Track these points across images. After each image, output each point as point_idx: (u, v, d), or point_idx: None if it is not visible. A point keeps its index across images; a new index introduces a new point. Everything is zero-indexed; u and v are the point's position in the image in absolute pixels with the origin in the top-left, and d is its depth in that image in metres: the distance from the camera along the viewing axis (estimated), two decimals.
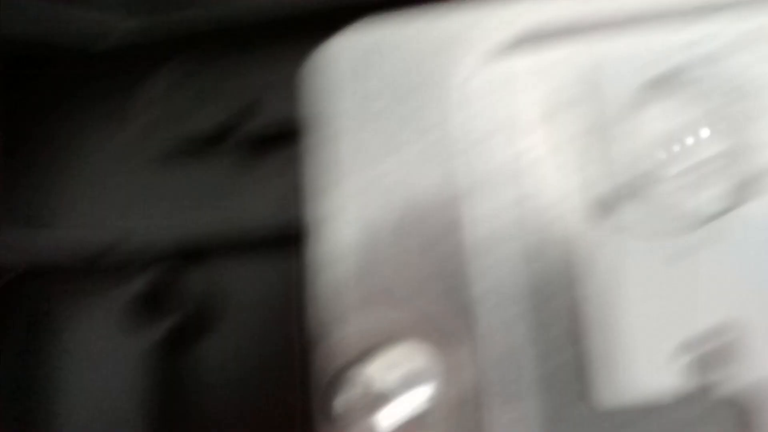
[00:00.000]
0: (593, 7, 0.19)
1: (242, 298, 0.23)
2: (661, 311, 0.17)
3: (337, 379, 0.17)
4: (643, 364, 0.17)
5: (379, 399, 0.17)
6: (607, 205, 0.17)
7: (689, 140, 0.17)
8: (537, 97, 0.19)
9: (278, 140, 0.22)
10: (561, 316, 0.18)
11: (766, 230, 0.17)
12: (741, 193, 0.17)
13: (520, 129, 0.19)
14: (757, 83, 0.18)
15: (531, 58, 0.19)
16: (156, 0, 0.23)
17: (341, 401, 0.17)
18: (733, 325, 0.16)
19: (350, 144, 0.19)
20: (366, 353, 0.17)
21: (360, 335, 0.18)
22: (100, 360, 0.22)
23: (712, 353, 0.16)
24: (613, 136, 0.18)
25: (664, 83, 0.18)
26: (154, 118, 0.23)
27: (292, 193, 0.20)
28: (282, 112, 0.22)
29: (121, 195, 0.23)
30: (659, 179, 0.17)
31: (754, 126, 0.17)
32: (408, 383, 0.17)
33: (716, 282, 0.17)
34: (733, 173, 0.17)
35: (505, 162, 0.19)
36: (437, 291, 0.18)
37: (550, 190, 0.18)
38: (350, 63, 0.20)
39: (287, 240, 0.21)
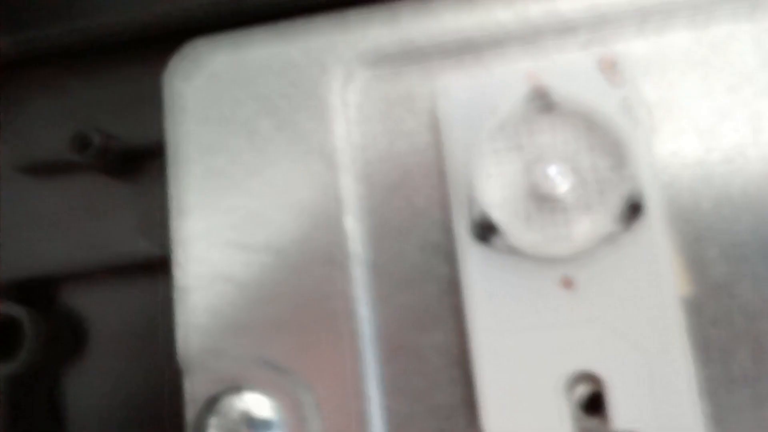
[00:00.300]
0: (469, 25, 0.19)
1: (110, 323, 0.22)
2: (545, 346, 0.16)
3: (199, 415, 0.17)
4: (527, 400, 0.16)
5: None
6: (490, 226, 0.17)
7: (576, 161, 0.17)
8: (419, 111, 0.19)
9: (140, 161, 0.22)
10: (442, 347, 0.17)
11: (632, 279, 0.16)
12: (626, 218, 0.17)
13: (401, 143, 0.18)
14: (635, 107, 0.17)
15: (409, 68, 0.19)
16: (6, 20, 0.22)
17: None
18: (599, 375, 0.16)
19: (203, 169, 0.19)
20: (215, 397, 0.17)
21: (209, 379, 0.17)
22: None
23: (584, 399, 0.16)
24: (498, 153, 0.17)
25: (550, 104, 0.17)
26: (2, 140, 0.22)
27: (159, 217, 0.19)
28: (140, 133, 0.21)
29: None
30: (546, 200, 0.17)
31: (632, 152, 0.17)
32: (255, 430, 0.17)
33: (588, 326, 0.16)
34: (617, 197, 0.16)
35: (388, 179, 0.18)
36: (286, 340, 0.17)
37: (433, 209, 0.18)
38: (199, 82, 0.19)
39: (154, 265, 0.21)
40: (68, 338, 0.22)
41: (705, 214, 0.17)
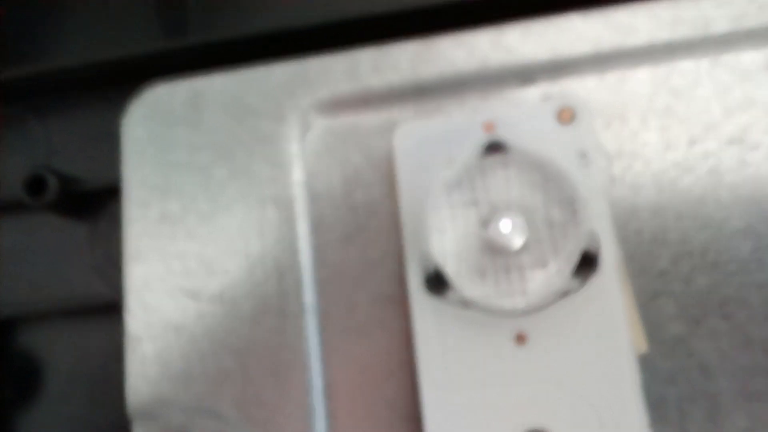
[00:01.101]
0: (428, 72, 0.18)
1: (64, 365, 0.22)
2: (497, 403, 0.16)
3: None
4: None
5: None
6: (443, 280, 0.16)
7: (532, 215, 0.17)
8: (377, 161, 0.18)
9: (97, 203, 0.21)
10: (393, 401, 0.17)
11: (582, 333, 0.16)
12: (581, 273, 0.16)
13: (357, 193, 0.18)
14: (593, 159, 0.17)
15: (367, 117, 0.19)
16: None
17: None
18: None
19: (157, 213, 0.18)
20: None
21: (157, 429, 0.17)
22: None
23: None
24: (452, 207, 0.17)
25: (506, 157, 0.17)
26: None
27: (115, 259, 0.19)
28: (98, 173, 0.21)
29: None
30: (500, 254, 0.16)
31: (588, 207, 0.16)
32: None
33: (541, 383, 0.16)
34: (572, 252, 0.16)
35: (342, 229, 0.18)
36: (235, 391, 0.17)
37: (387, 260, 0.18)
38: (156, 126, 0.19)
39: (110, 308, 0.20)
40: (21, 380, 0.22)
41: (662, 269, 0.17)
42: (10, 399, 0.22)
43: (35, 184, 0.20)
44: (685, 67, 0.19)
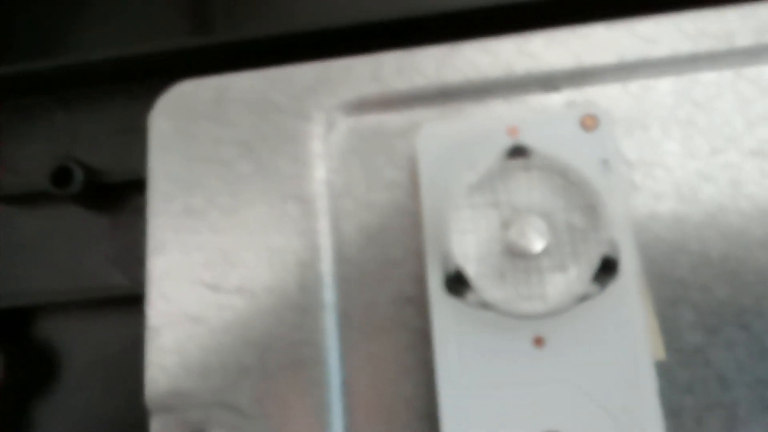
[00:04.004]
0: (452, 75, 0.19)
1: (82, 355, 0.22)
2: (514, 404, 0.16)
3: None
4: None
5: None
6: (464, 281, 0.16)
7: (553, 219, 0.17)
8: (400, 161, 0.18)
9: (120, 195, 0.22)
10: (410, 400, 0.17)
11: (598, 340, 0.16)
12: (600, 279, 0.16)
13: (379, 193, 0.18)
14: (615, 166, 0.17)
15: (390, 118, 0.19)
16: None
17: None
18: None
19: (180, 207, 0.18)
20: None
21: (175, 422, 0.17)
22: None
23: None
24: (474, 209, 0.17)
25: (528, 161, 0.17)
26: None
27: (136, 252, 0.19)
28: (122, 167, 0.21)
29: None
30: (521, 257, 0.16)
31: (609, 214, 0.16)
32: None
33: (558, 386, 0.16)
34: (593, 257, 0.16)
35: (364, 228, 0.18)
36: (253, 385, 0.17)
37: (408, 260, 0.18)
38: (183, 122, 0.19)
39: (129, 299, 0.20)
40: (39, 368, 0.22)
41: (681, 277, 0.17)
42: (27, 387, 0.22)
43: (61, 175, 0.20)
44: (708, 79, 0.19)
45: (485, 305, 0.17)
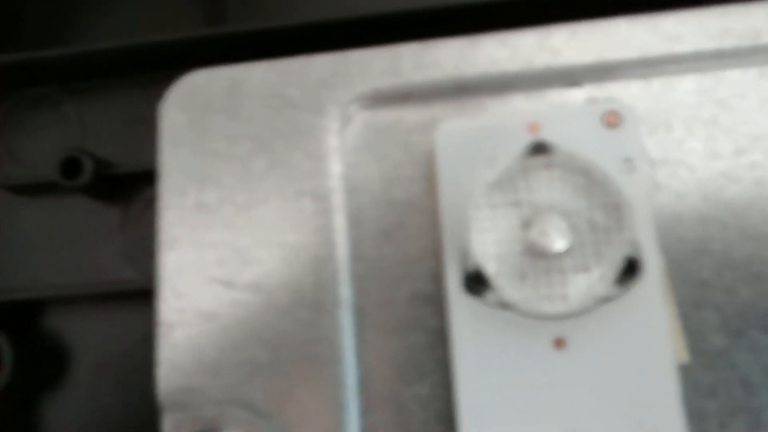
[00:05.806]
0: (471, 69, 0.18)
1: (91, 350, 0.22)
2: (532, 406, 0.16)
3: None
4: None
5: None
6: (483, 281, 0.16)
7: (575, 219, 0.16)
8: (417, 157, 0.18)
9: (131, 188, 0.21)
10: (426, 400, 0.17)
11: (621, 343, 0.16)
12: (623, 280, 0.16)
13: (396, 189, 0.18)
14: (638, 165, 0.17)
15: (408, 112, 0.18)
16: None
17: None
18: None
19: (193, 202, 0.18)
20: None
21: (187, 419, 0.17)
22: None
23: None
24: (494, 207, 0.17)
25: (549, 159, 0.17)
26: None
27: (146, 245, 0.19)
28: (132, 158, 0.21)
29: None
30: (542, 257, 0.16)
31: (632, 213, 0.16)
32: None
33: (578, 388, 0.16)
34: (615, 258, 0.16)
35: (381, 225, 0.18)
36: (267, 383, 0.17)
37: (425, 258, 0.17)
38: (195, 114, 0.19)
39: (139, 294, 0.20)
40: (48, 363, 0.22)
41: (705, 279, 0.17)
42: (35, 382, 0.21)
43: (71, 166, 0.20)
44: (733, 77, 0.18)
45: (505, 305, 0.16)
